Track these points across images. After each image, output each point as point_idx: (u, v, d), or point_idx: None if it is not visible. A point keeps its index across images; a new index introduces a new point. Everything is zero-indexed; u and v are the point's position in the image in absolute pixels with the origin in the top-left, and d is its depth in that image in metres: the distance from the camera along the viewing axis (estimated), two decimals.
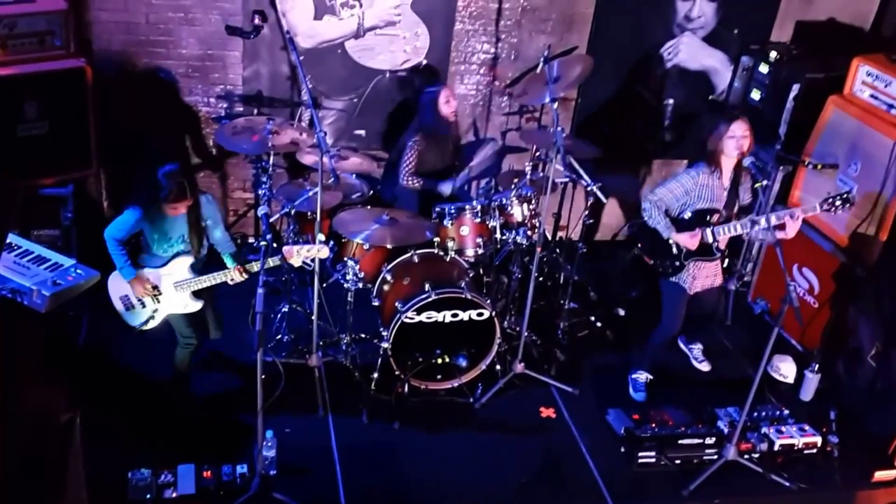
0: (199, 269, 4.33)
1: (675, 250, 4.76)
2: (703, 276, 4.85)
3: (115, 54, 5.53)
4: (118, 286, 4.34)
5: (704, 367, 5.44)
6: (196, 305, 4.36)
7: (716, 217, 4.66)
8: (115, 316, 4.44)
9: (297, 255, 4.20)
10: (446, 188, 5.47)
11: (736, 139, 4.53)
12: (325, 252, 4.27)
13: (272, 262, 4.15)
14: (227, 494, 4.16)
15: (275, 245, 4.18)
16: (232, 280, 4.29)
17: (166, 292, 4.31)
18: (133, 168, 4.76)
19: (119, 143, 5.41)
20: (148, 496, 4.09)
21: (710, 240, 4.68)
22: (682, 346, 5.51)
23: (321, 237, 4.47)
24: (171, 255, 4.29)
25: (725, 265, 5.03)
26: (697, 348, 5.49)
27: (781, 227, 4.52)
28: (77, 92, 4.90)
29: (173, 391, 4.62)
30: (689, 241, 4.66)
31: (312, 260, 4.44)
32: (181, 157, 5.62)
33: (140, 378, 4.73)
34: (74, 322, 5.15)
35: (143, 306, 4.35)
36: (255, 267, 4.20)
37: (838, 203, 4.47)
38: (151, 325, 4.38)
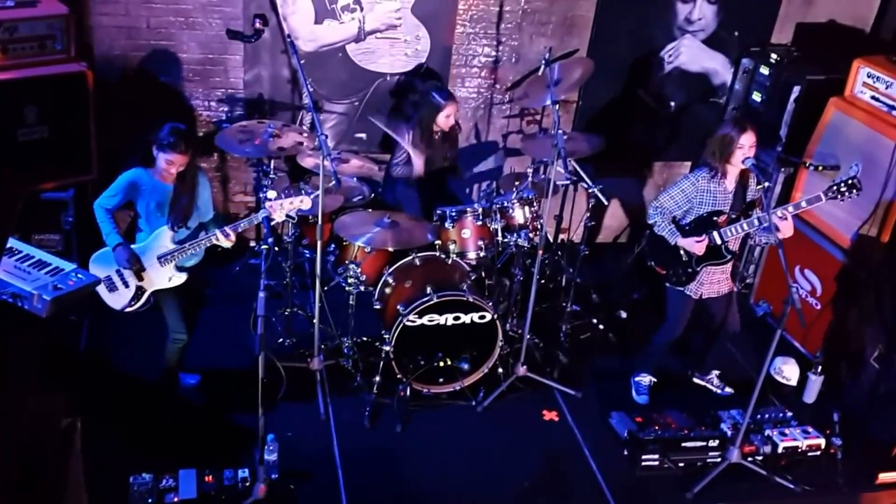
0: (183, 241, 4.33)
1: (684, 257, 4.70)
2: (711, 282, 4.78)
3: (116, 59, 5.53)
4: (100, 270, 4.34)
5: (728, 390, 5.28)
6: (181, 277, 4.36)
7: (722, 219, 4.61)
8: (115, 319, 4.44)
9: (281, 209, 4.19)
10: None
11: (744, 150, 4.48)
12: (307, 202, 4.25)
13: (257, 218, 4.18)
14: (229, 499, 4.15)
15: (276, 248, 4.17)
16: (219, 244, 4.26)
17: (150, 267, 4.31)
18: None
19: (120, 147, 5.39)
20: (149, 501, 4.08)
21: (718, 242, 4.63)
22: (698, 381, 5.33)
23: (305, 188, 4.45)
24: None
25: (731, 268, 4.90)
26: (714, 377, 5.31)
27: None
28: (78, 96, 4.90)
29: (169, 394, 4.62)
30: (694, 246, 4.62)
31: (296, 213, 4.33)
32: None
33: (141, 382, 4.72)
34: (75, 327, 5.14)
35: (126, 286, 4.34)
36: (239, 227, 4.23)
37: (843, 189, 4.35)
38: (136, 305, 4.37)
